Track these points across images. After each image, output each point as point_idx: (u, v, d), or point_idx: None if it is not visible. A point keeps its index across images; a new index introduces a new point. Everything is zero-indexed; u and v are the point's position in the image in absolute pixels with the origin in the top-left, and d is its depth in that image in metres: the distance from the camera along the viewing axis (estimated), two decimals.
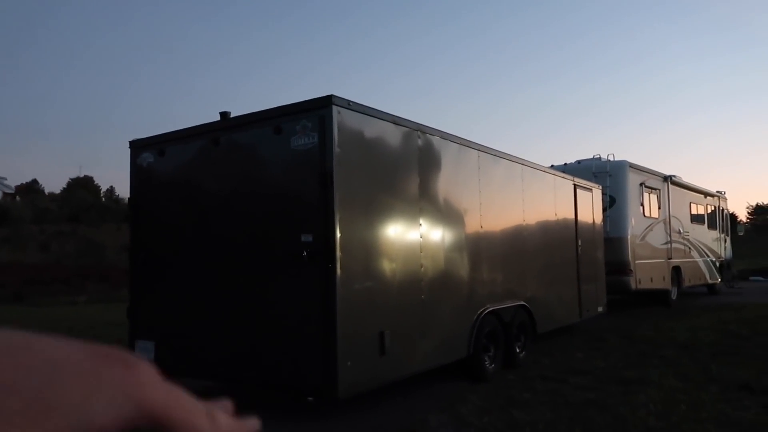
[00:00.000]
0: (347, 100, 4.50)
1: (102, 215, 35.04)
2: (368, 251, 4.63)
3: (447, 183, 5.76)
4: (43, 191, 51.54)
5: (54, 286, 20.24)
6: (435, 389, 5.66)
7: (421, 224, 5.25)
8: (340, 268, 4.26)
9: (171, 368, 5.18)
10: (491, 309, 6.18)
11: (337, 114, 4.38)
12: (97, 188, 53.95)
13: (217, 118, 5.18)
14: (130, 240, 5.76)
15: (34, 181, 55.37)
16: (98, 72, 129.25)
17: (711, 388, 5.48)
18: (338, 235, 4.27)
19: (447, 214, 5.71)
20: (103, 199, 49.62)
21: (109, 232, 28.91)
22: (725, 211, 17.65)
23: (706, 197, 15.98)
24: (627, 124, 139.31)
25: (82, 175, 54.92)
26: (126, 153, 5.76)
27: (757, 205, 58.09)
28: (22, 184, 53.05)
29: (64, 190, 49.17)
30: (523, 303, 6.91)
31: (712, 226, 16.30)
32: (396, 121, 5.06)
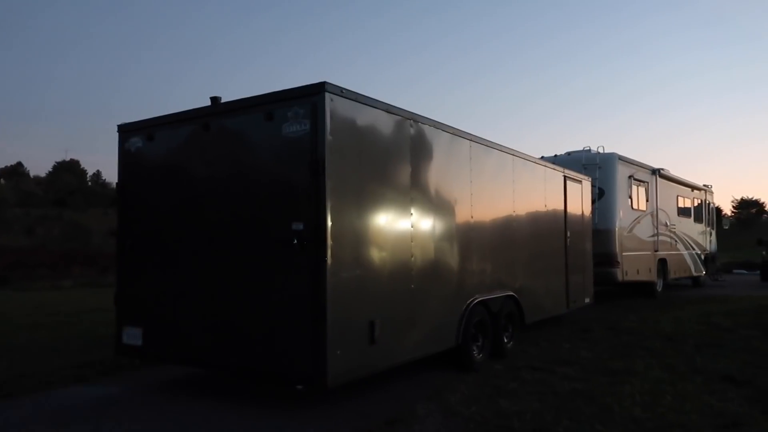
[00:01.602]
0: (340, 87, 4.46)
1: (88, 199, 34.70)
2: (359, 240, 4.61)
3: (438, 173, 5.74)
4: (28, 174, 50.87)
5: (39, 270, 20.06)
6: (423, 378, 5.68)
7: (412, 214, 5.23)
8: (331, 257, 4.24)
9: (159, 355, 5.18)
10: (480, 299, 6.20)
11: (330, 101, 4.33)
12: (84, 172, 53.39)
13: (208, 103, 5.13)
14: (117, 225, 5.69)
15: (19, 164, 54.61)
16: (86, 54, 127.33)
17: (695, 379, 5.56)
18: (329, 223, 4.25)
19: (438, 204, 5.70)
20: (90, 183, 49.13)
21: (95, 216, 28.67)
22: (711, 204, 17.85)
23: (693, 191, 16.14)
24: (617, 116, 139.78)
25: (68, 159, 54.33)
26: (114, 137, 5.69)
27: (742, 198, 58.86)
28: (6, 166, 52.34)
29: (50, 174, 48.59)
30: (511, 293, 6.94)
31: (698, 219, 16.49)
32: (389, 109, 5.02)
